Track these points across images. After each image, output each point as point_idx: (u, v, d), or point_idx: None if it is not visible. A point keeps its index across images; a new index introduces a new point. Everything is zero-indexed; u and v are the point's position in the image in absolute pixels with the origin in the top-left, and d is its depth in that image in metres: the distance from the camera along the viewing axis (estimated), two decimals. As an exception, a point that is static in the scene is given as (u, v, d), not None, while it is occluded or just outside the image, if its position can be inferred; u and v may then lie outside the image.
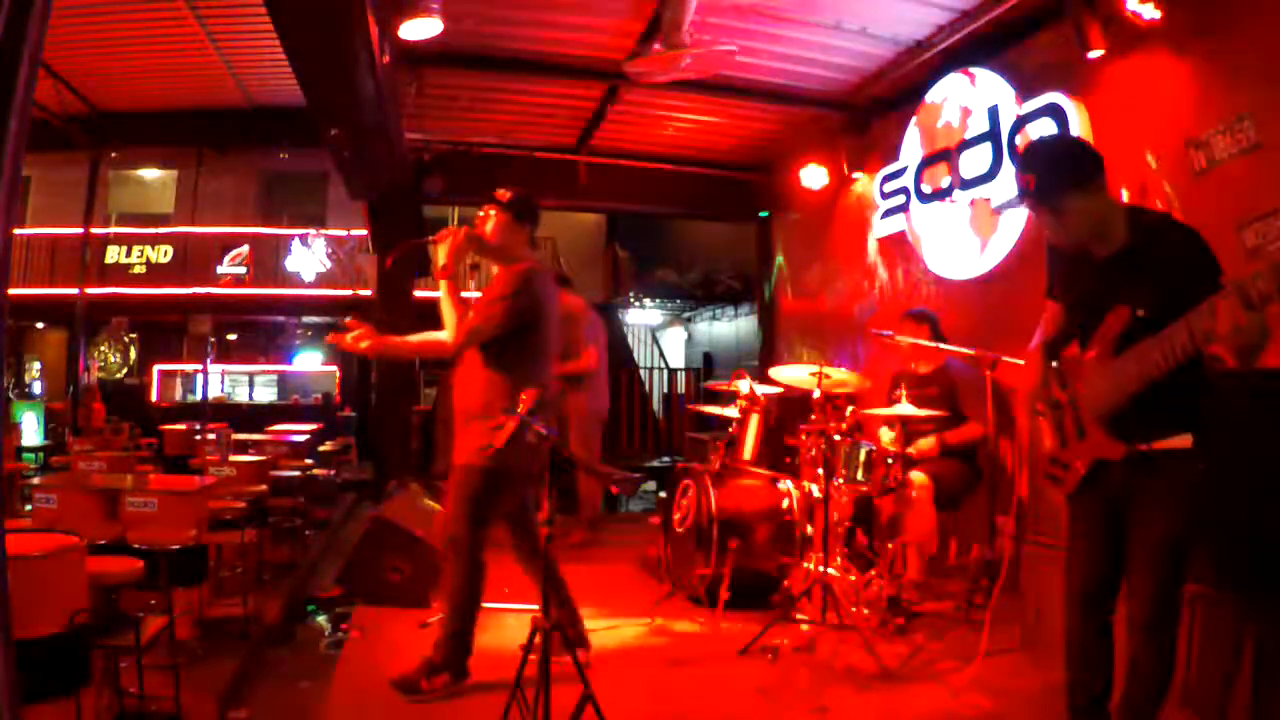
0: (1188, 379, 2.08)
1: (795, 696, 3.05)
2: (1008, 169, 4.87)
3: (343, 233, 13.26)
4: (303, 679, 3.30)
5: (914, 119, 5.77)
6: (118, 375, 13.65)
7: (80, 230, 11.53)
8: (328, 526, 6.20)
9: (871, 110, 6.25)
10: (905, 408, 4.01)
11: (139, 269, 13.20)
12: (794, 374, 4.50)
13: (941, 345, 4.29)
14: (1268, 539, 2.41)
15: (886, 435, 4.27)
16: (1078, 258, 2.29)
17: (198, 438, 6.72)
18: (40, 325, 14.27)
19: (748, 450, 4.63)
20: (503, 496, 3.08)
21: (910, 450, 4.13)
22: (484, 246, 3.17)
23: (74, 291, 11.28)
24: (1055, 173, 2.17)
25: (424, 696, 2.90)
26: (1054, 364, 2.36)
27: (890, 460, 3.96)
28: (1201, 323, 1.94)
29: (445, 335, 3.11)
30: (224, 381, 13.59)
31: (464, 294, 3.15)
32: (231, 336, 14.54)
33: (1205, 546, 2.42)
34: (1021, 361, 2.58)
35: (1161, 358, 2.02)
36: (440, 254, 3.06)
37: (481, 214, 3.22)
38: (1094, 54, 4.19)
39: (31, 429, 8.86)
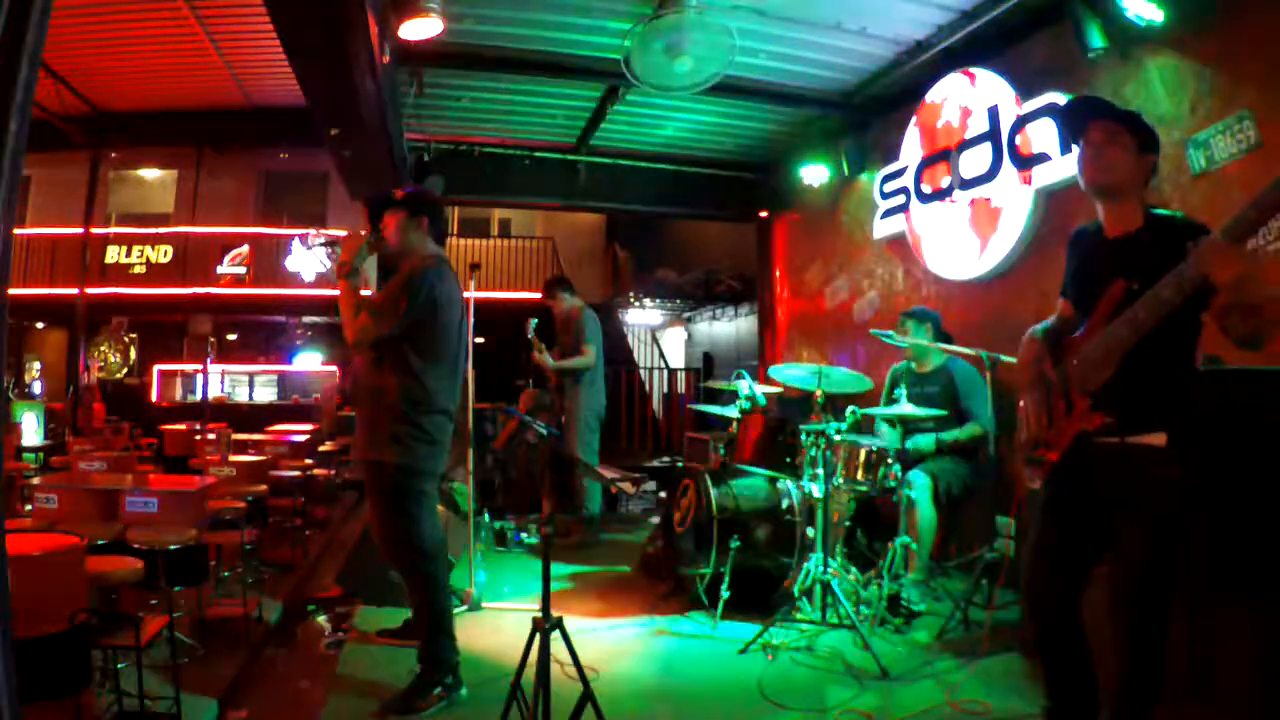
0: (1173, 366, 2.09)
1: (795, 696, 3.05)
2: (1008, 169, 4.87)
3: (343, 233, 13.25)
4: (303, 679, 3.30)
5: (914, 119, 5.77)
6: (118, 375, 13.64)
7: (80, 230, 11.53)
8: (328, 526, 6.20)
9: (871, 110, 6.25)
10: (905, 408, 4.01)
11: (139, 269, 13.17)
12: (794, 374, 4.50)
13: (941, 345, 4.29)
14: (1251, 540, 2.41)
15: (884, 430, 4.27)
16: (1091, 250, 2.31)
17: (198, 438, 6.72)
18: (40, 325, 14.26)
19: (748, 450, 4.63)
20: (422, 492, 3.04)
21: (909, 446, 4.13)
22: (383, 247, 3.15)
23: (74, 291, 11.28)
24: (1134, 117, 2.25)
25: (420, 714, 2.88)
26: (1048, 343, 2.36)
27: (890, 460, 3.97)
28: (1187, 269, 1.93)
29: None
30: (224, 381, 13.57)
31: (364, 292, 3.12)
32: (231, 336, 14.53)
33: (1191, 550, 2.39)
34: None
35: (1145, 308, 2.02)
36: (340, 254, 3.07)
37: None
38: (1094, 54, 4.20)
39: (31, 429, 8.83)
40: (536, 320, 5.76)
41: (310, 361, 14.18)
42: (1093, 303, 2.22)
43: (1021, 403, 2.44)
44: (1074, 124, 2.32)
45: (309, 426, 7.80)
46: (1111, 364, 2.13)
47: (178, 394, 13.35)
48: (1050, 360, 2.33)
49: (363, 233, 3.12)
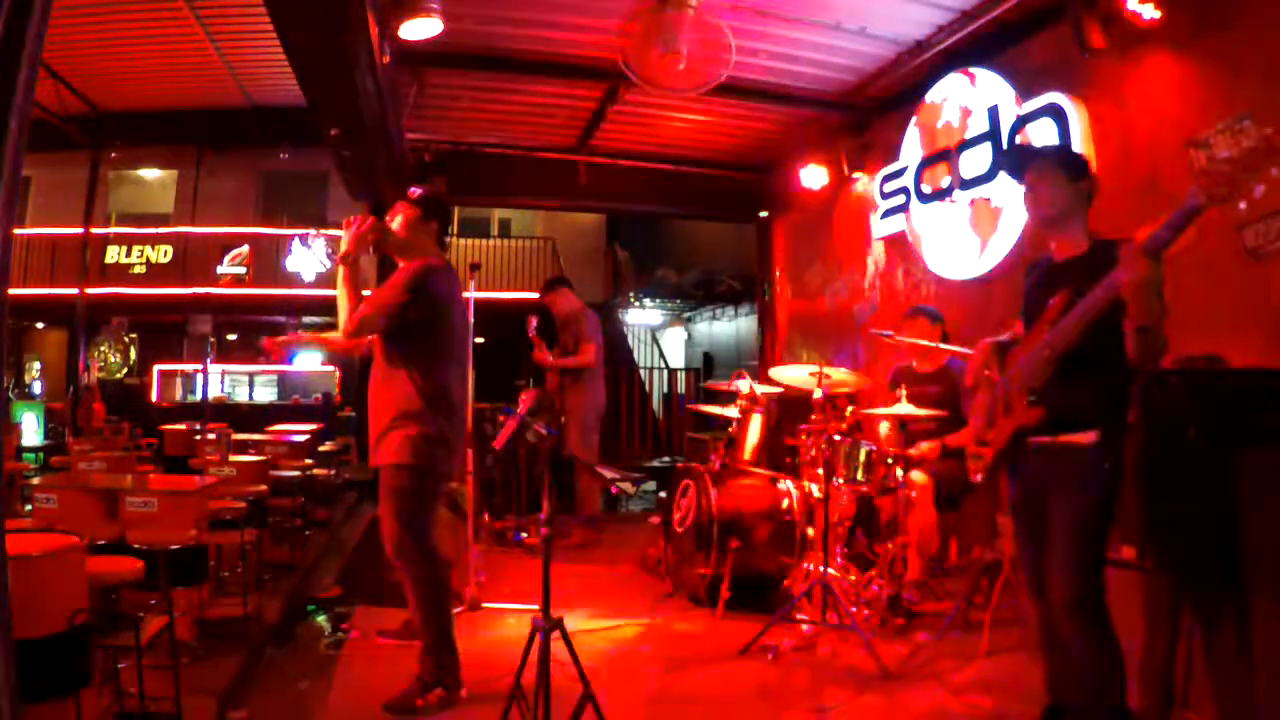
0: (1103, 369, 2.29)
1: (795, 696, 3.06)
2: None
3: (343, 232, 13.22)
4: (303, 679, 3.30)
5: (914, 119, 5.77)
6: (118, 375, 13.63)
7: (80, 230, 11.52)
8: (328, 526, 6.20)
9: (871, 110, 6.25)
10: (905, 408, 4.01)
11: (139, 269, 13.18)
12: (794, 374, 4.50)
13: (942, 345, 4.29)
14: (1187, 526, 2.50)
15: (883, 428, 4.28)
16: (1043, 274, 2.54)
17: (198, 438, 6.71)
18: (40, 325, 14.26)
19: (748, 450, 4.63)
20: (433, 494, 3.05)
21: (911, 452, 4.13)
22: (387, 239, 3.12)
23: (74, 291, 11.27)
24: (1059, 151, 2.58)
25: (421, 715, 2.88)
26: (995, 348, 2.59)
27: (890, 460, 3.96)
28: (1112, 274, 2.13)
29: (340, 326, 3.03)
30: (224, 381, 13.56)
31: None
32: (231, 336, 14.52)
33: (1133, 531, 2.61)
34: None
35: (1080, 311, 2.22)
36: (343, 240, 3.01)
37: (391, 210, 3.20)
38: (1094, 54, 4.19)
39: (31, 429, 8.85)
40: (538, 318, 5.78)
41: (310, 361, 14.17)
42: (1040, 315, 2.43)
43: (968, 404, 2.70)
44: (1016, 173, 2.58)
45: (309, 426, 7.79)
46: (1049, 366, 2.33)
47: (178, 394, 13.34)
48: (995, 363, 2.56)
49: (370, 220, 3.05)
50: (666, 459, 9.16)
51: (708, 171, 7.85)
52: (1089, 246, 2.42)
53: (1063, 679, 2.44)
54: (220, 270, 13.23)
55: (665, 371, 11.83)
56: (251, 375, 13.85)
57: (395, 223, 3.16)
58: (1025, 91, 4.77)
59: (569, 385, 5.83)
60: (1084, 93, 4.42)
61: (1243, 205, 1.94)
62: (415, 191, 3.22)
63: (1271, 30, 3.44)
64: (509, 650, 3.15)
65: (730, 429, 4.71)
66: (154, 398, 12.96)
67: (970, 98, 5.22)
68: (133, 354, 14.05)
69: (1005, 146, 4.87)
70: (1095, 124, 4.37)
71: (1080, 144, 4.38)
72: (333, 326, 3.13)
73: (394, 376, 3.01)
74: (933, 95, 5.56)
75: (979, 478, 2.59)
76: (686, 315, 14.88)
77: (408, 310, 2.94)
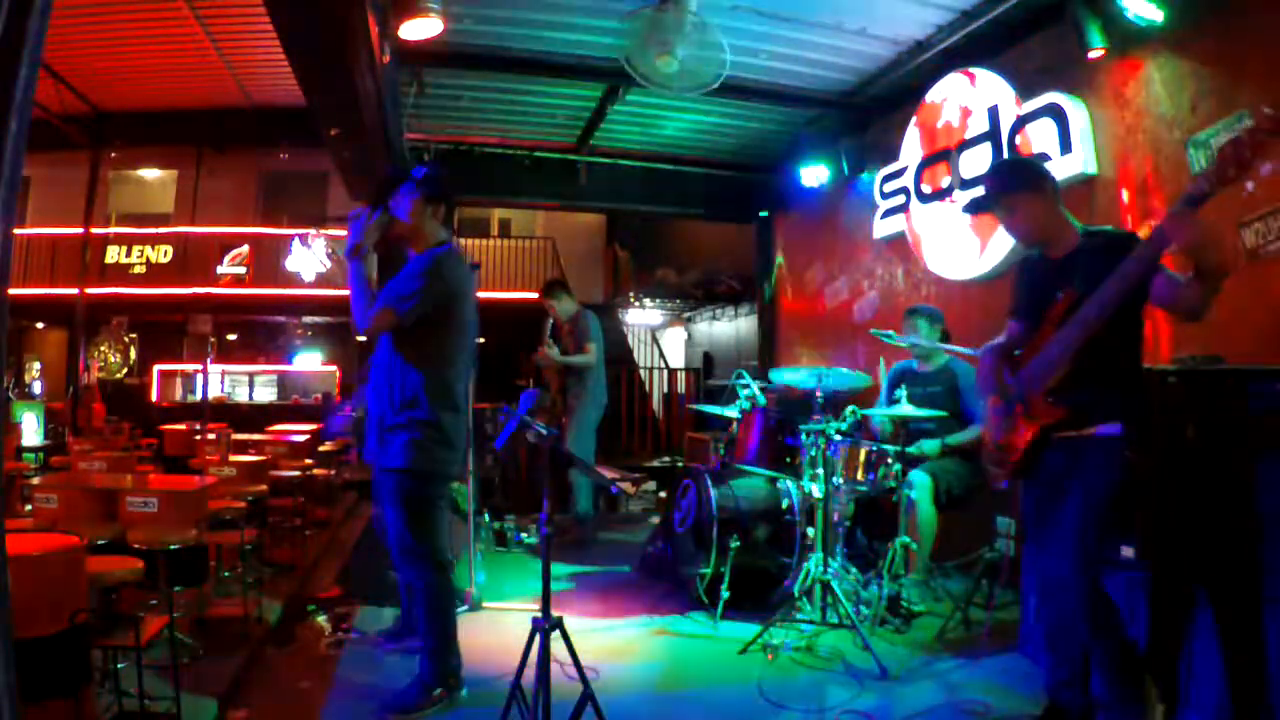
0: (1119, 362, 2.34)
1: (795, 696, 3.05)
2: (1008, 169, 4.87)
3: (343, 233, 13.20)
4: (303, 679, 3.30)
5: (914, 119, 5.77)
6: (118, 375, 13.63)
7: (80, 230, 11.52)
8: (328, 526, 6.20)
9: (871, 110, 6.25)
10: (905, 408, 4.01)
11: (139, 269, 13.17)
12: (794, 374, 4.49)
13: (943, 345, 4.29)
14: (1187, 526, 2.52)
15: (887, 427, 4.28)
16: (1038, 272, 2.56)
17: (198, 438, 6.71)
18: (40, 325, 14.26)
19: (748, 450, 4.62)
20: (438, 494, 3.03)
21: (912, 450, 4.12)
22: (393, 227, 3.07)
23: (74, 291, 11.27)
24: (1010, 176, 2.56)
25: (420, 715, 2.88)
26: (1000, 352, 2.62)
27: (890, 460, 3.96)
28: (1149, 245, 2.16)
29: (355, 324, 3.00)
30: (224, 381, 13.58)
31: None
32: (231, 336, 14.53)
33: (1133, 531, 2.61)
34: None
35: (1094, 307, 2.23)
36: (349, 234, 2.98)
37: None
38: (1094, 54, 4.20)
39: (31, 429, 8.83)
40: (553, 320, 5.84)
41: (310, 361, 14.18)
42: (1042, 314, 2.45)
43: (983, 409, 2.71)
44: (987, 210, 2.61)
45: (309, 426, 7.79)
46: (1065, 362, 2.34)
47: (178, 394, 13.36)
48: (1006, 369, 2.56)
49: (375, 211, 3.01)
50: (666, 459, 9.16)
51: (708, 171, 7.86)
52: (1080, 240, 2.45)
53: (1062, 679, 2.44)
54: (220, 270, 13.23)
55: (665, 371, 11.82)
56: (251, 375, 13.86)
57: (400, 209, 3.11)
58: (1025, 91, 4.77)
59: (573, 385, 5.83)
60: (1084, 93, 4.42)
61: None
62: (418, 173, 3.17)
63: (1272, 30, 3.44)
64: (509, 650, 3.15)
65: (730, 429, 4.70)
66: (154, 398, 12.98)
67: (970, 98, 5.22)
68: (133, 354, 14.05)
69: (1008, 147, 4.87)
70: (1095, 124, 4.37)
71: (1080, 144, 4.39)
72: (333, 326, 3.13)
73: (398, 372, 2.96)
74: (933, 95, 5.56)
75: (1005, 483, 2.60)
76: (686, 315, 14.86)
77: (423, 299, 2.89)
